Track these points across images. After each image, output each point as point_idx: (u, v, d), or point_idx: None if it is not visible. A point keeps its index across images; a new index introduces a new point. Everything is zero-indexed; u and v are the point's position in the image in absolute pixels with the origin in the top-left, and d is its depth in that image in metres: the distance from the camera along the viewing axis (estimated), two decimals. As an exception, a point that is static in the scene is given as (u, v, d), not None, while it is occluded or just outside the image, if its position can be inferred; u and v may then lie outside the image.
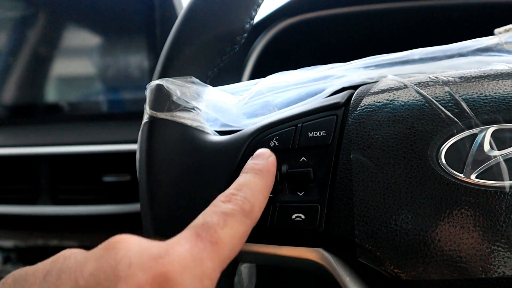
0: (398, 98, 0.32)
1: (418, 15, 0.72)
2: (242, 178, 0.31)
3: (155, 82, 0.36)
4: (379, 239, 0.29)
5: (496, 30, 0.38)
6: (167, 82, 0.36)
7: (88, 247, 0.25)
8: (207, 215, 0.27)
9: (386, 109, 0.32)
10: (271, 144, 0.34)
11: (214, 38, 0.37)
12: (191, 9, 0.38)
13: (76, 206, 0.89)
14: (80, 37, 1.09)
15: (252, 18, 0.39)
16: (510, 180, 0.28)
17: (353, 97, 0.34)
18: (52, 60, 1.07)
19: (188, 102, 0.36)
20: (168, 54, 0.37)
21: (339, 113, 0.34)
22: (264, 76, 0.42)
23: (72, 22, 1.08)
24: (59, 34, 1.07)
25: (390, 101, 0.33)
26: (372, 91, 0.34)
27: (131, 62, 1.02)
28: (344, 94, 0.35)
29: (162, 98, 0.36)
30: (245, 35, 0.39)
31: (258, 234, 0.32)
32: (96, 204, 0.89)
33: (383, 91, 0.34)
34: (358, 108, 0.33)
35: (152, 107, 0.36)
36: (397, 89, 0.33)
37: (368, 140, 0.31)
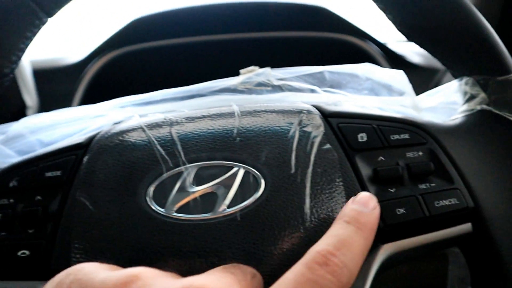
0: (129, 139, 0.36)
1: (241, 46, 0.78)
2: (343, 230, 0.26)
3: None
4: None
5: (241, 71, 0.43)
6: None
7: None
8: (298, 277, 0.24)
9: (116, 150, 0.35)
10: (11, 184, 0.36)
11: None
12: None
13: None
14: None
15: (14, 62, 0.41)
16: (202, 213, 0.32)
17: (94, 138, 0.37)
18: None
19: None
20: None
21: (80, 154, 0.36)
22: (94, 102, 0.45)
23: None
24: None
25: (122, 141, 0.36)
26: (111, 132, 0.37)
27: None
28: (90, 135, 0.38)
29: None
30: (7, 78, 0.41)
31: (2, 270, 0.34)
32: None
33: (120, 132, 0.37)
34: (94, 149, 0.36)
35: None
36: (132, 130, 0.37)
37: (94, 180, 0.34)
